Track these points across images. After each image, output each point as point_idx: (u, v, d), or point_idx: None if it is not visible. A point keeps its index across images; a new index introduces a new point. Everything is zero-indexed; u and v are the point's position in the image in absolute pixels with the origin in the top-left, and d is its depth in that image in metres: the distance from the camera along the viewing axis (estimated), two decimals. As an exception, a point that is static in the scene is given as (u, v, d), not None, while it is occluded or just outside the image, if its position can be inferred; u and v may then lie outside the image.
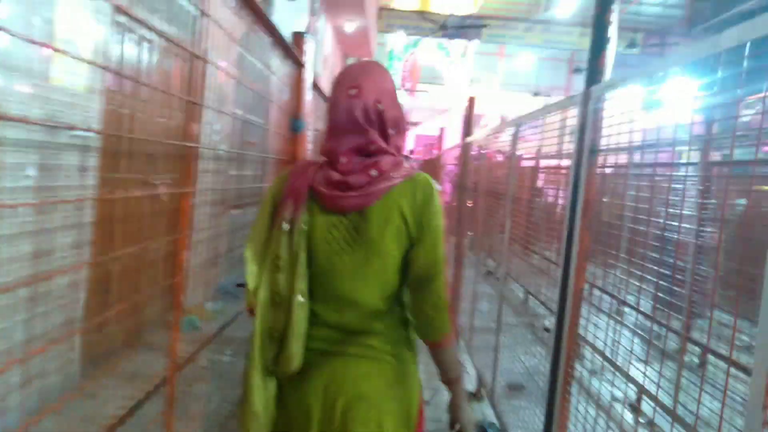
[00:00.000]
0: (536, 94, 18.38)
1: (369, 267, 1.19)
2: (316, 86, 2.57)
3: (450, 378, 1.26)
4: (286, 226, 1.20)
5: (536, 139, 2.92)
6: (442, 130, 9.45)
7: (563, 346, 1.84)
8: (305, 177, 1.22)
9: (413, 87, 21.32)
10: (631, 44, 15.36)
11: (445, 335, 1.22)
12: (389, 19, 15.76)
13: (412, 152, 17.26)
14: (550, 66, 23.07)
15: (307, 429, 1.19)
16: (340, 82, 1.23)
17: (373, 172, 1.17)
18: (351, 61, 15.33)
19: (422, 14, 15.58)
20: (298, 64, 2.00)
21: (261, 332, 1.21)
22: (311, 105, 2.31)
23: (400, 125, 1.26)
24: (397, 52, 20.85)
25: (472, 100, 4.80)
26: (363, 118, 1.19)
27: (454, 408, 1.27)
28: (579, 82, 23.75)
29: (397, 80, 21.18)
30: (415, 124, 19.90)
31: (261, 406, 1.21)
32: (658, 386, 1.39)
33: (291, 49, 1.85)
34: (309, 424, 1.19)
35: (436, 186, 1.23)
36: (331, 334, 1.22)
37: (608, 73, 1.81)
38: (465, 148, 4.67)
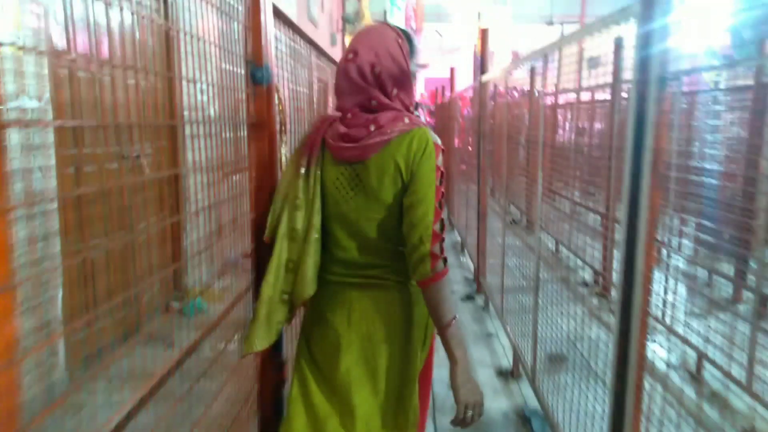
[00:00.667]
0: (550, 23, 17.22)
1: (369, 210, 1.33)
2: (289, 23, 2.13)
3: (443, 325, 1.28)
4: (303, 171, 1.36)
5: (569, 71, 2.44)
6: (452, 70, 8.80)
7: (633, 329, 1.45)
8: (320, 130, 1.38)
9: (419, 26, 20.27)
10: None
11: (428, 277, 1.27)
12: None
13: (421, 97, 16.53)
14: (562, -8, 21.66)
15: (337, 346, 1.39)
16: (349, 45, 1.35)
17: (372, 127, 1.29)
18: (350, 3, 14.45)
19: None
20: None
21: (278, 264, 1.37)
22: (277, 44, 1.86)
23: (403, 82, 1.34)
24: (400, -11, 19.74)
25: (484, 33, 4.24)
26: (360, 79, 1.31)
27: (453, 380, 1.26)
28: (594, 7, 22.44)
29: (401, 20, 20.15)
30: (423, 66, 19.03)
31: (263, 329, 1.37)
32: None
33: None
34: (338, 342, 1.39)
35: (434, 139, 1.31)
36: (341, 268, 1.40)
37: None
38: (481, 88, 4.16)
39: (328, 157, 1.36)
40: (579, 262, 4.32)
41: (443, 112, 9.78)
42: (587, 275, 4.30)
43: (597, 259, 3.88)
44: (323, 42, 10.76)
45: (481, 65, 4.19)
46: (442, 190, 1.30)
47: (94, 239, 2.77)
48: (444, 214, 1.33)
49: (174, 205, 3.38)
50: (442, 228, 1.29)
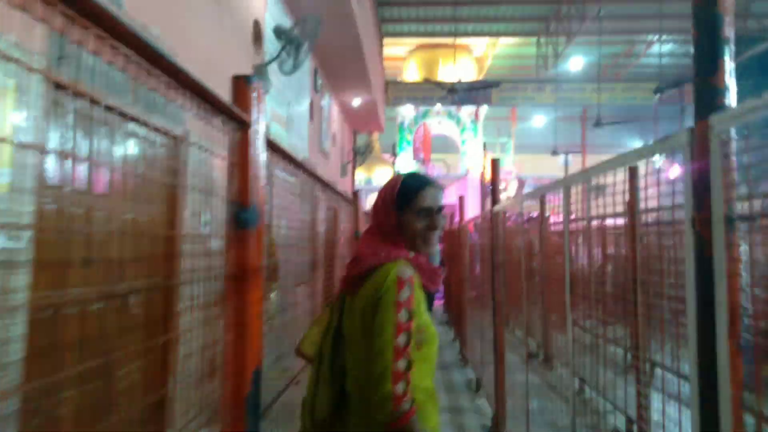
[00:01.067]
0: (554, 152, 17.88)
1: (349, 350, 1.39)
2: (284, 153, 1.95)
3: None
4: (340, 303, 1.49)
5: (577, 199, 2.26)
6: (461, 198, 8.85)
7: None
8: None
9: (427, 157, 21.11)
10: (658, 90, 14.76)
11: (399, 416, 1.19)
12: (396, 92, 15.68)
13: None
14: (563, 125, 22.81)
15: None
16: None
17: (354, 264, 1.41)
18: (361, 137, 15.16)
19: (429, 83, 15.47)
20: (241, 123, 1.33)
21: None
22: (270, 181, 1.70)
23: (382, 222, 1.47)
24: (408, 124, 20.85)
25: (495, 164, 4.19)
26: (371, 234, 1.50)
27: None
28: (595, 137, 23.51)
29: (410, 152, 21.06)
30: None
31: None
32: None
33: (226, 105, 1.16)
34: None
35: (400, 273, 1.30)
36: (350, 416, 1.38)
37: (731, 99, 1.16)
38: (494, 217, 4.01)
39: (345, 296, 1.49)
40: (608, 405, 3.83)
41: (453, 239, 9.70)
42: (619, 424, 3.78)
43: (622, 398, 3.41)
44: (333, 172, 11.03)
45: (492, 194, 4.07)
46: (409, 327, 1.26)
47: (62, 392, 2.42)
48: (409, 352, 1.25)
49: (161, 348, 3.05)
50: (409, 367, 1.23)
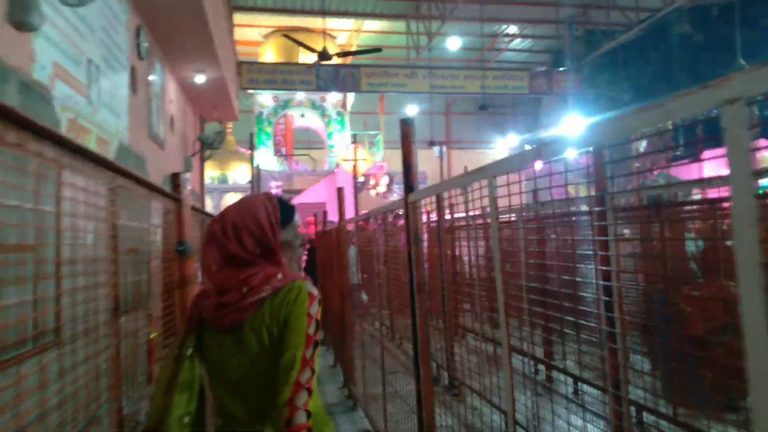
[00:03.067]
0: (431, 143, 17.07)
1: (252, 371, 1.34)
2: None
3: None
4: (187, 351, 1.39)
5: None
6: (340, 191, 7.32)
7: None
8: (196, 306, 1.42)
9: (289, 151, 19.27)
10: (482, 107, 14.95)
11: (292, 426, 1.23)
12: (251, 73, 13.65)
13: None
14: (429, 118, 22.37)
15: None
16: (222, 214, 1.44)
17: (244, 289, 1.32)
18: (210, 126, 12.95)
19: (290, 64, 13.71)
20: (177, 201, 2.25)
21: None
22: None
23: (265, 242, 1.38)
24: (267, 115, 18.83)
25: (406, 131, 2.69)
26: (221, 234, 1.37)
27: None
28: (458, 131, 23.55)
29: (270, 146, 19.05)
30: (297, 192, 17.71)
31: None
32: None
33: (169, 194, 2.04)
34: None
35: (308, 289, 1.36)
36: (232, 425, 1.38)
37: None
38: (411, 208, 2.50)
39: (205, 330, 1.39)
40: None
41: (327, 243, 8.21)
42: None
43: None
44: (171, 166, 8.88)
45: (406, 177, 2.58)
46: (316, 338, 1.32)
47: None
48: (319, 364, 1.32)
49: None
50: (309, 378, 1.27)
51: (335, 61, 17.72)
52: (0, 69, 3.41)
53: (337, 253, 6.17)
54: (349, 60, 19.07)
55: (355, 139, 13.47)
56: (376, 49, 11.76)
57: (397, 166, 14.83)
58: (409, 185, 2.56)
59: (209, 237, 1.39)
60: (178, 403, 1.34)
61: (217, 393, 1.40)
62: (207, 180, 19.40)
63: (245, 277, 1.32)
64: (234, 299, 1.31)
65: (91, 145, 5.05)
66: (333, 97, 19.04)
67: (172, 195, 2.34)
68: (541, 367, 4.84)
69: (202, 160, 11.63)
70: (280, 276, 1.36)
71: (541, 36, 19.00)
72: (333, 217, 8.20)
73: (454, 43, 16.11)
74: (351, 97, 19.37)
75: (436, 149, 17.77)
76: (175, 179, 2.42)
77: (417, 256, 2.53)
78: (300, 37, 17.58)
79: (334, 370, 6.70)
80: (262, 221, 1.38)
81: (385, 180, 19.25)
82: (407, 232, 2.58)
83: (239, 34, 16.85)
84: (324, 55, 11.32)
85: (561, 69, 16.15)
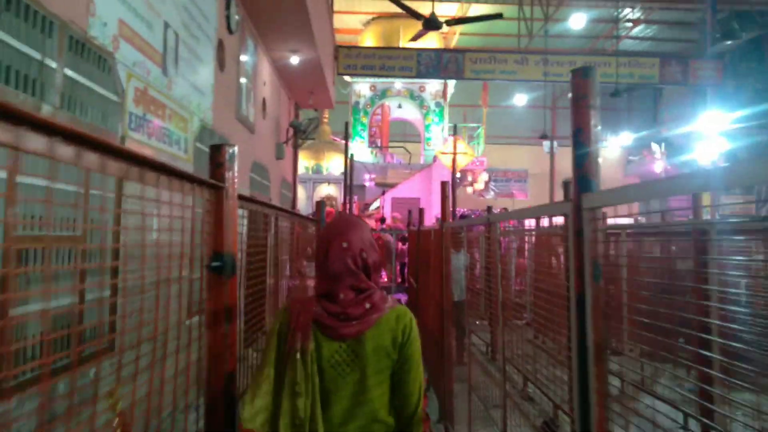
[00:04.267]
0: (543, 137, 15.51)
1: (367, 385, 1.45)
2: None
3: None
4: (299, 355, 1.43)
5: None
6: (444, 188, 6.43)
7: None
8: (308, 311, 1.47)
9: (384, 143, 18.57)
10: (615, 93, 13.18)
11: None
12: (349, 58, 12.99)
13: (392, 221, 14.16)
14: (538, 112, 20.70)
15: None
16: (332, 236, 1.54)
17: (367, 305, 1.48)
18: (307, 113, 12.48)
19: (387, 51, 12.86)
20: (215, 188, 1.52)
21: None
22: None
23: (378, 265, 1.59)
24: (363, 105, 18.24)
25: (581, 85, 1.65)
26: (354, 266, 1.51)
27: None
28: (565, 127, 21.48)
29: (365, 137, 18.46)
30: (391, 185, 16.96)
31: None
32: None
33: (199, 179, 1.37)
34: None
35: (412, 316, 1.55)
36: None
37: None
38: (587, 220, 1.49)
39: (320, 337, 1.45)
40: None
41: (424, 244, 7.32)
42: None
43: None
44: (263, 152, 8.35)
45: (577, 173, 1.54)
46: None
47: None
48: None
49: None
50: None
51: (437, 45, 16.65)
52: (42, 18, 2.79)
53: (436, 260, 5.24)
54: (452, 43, 17.97)
55: (455, 131, 12.42)
56: (497, 15, 10.40)
57: (498, 163, 13.61)
58: (584, 179, 1.51)
59: (343, 268, 1.49)
60: (289, 408, 1.42)
61: (328, 402, 1.47)
62: (301, 170, 19.23)
63: (366, 295, 1.50)
64: (358, 313, 1.47)
65: (168, 123, 4.45)
66: (432, 87, 18.06)
67: (205, 181, 1.43)
68: None
69: (296, 148, 11.14)
70: (390, 298, 1.57)
71: (668, 22, 16.78)
72: (429, 214, 7.28)
73: (577, 21, 14.52)
74: (451, 87, 18.27)
75: (545, 144, 16.23)
76: (217, 153, 1.53)
77: (594, 299, 1.49)
78: (400, 22, 16.76)
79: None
80: (376, 249, 1.60)
81: (484, 177, 18.00)
82: (576, 257, 1.56)
83: (338, 21, 16.34)
84: (431, 22, 9.88)
85: (699, 57, 13.99)
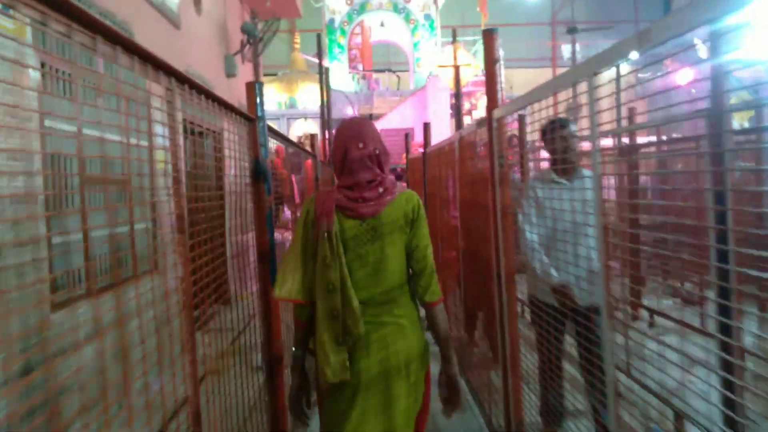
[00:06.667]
0: (572, 30, 12.97)
1: (385, 254, 1.77)
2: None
3: (441, 336, 1.85)
4: (325, 235, 1.73)
5: None
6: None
7: None
8: (330, 199, 1.77)
9: (367, 67, 16.14)
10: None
11: (439, 297, 1.85)
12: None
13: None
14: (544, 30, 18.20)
15: (367, 373, 1.74)
16: (348, 137, 1.82)
17: (380, 189, 1.79)
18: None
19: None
20: (250, 120, 2.25)
21: (324, 314, 1.72)
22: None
23: (387, 157, 1.87)
24: (340, 23, 15.70)
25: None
26: (370, 162, 1.79)
27: (445, 379, 1.87)
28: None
29: (344, 61, 16.02)
30: (377, 117, 14.71)
31: (338, 365, 1.70)
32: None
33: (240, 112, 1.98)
34: (369, 370, 1.74)
35: (418, 197, 1.88)
36: (366, 308, 1.75)
37: None
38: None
39: (342, 219, 1.76)
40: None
41: (416, 169, 5.34)
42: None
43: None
44: (204, 63, 6.16)
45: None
46: None
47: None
48: None
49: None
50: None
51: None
52: None
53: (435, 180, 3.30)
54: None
55: (454, 37, 10.16)
56: None
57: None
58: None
59: (361, 166, 1.78)
60: (322, 278, 1.74)
61: (354, 270, 1.76)
62: (273, 105, 16.83)
63: (380, 180, 1.79)
64: (375, 195, 1.76)
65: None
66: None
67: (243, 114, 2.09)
68: None
69: (256, 66, 8.85)
70: (399, 184, 1.87)
71: None
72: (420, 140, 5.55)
73: None
74: None
75: (565, 48, 13.82)
76: (250, 91, 2.25)
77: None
78: None
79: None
80: (385, 146, 1.88)
81: (485, 102, 15.74)
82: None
83: None
84: None
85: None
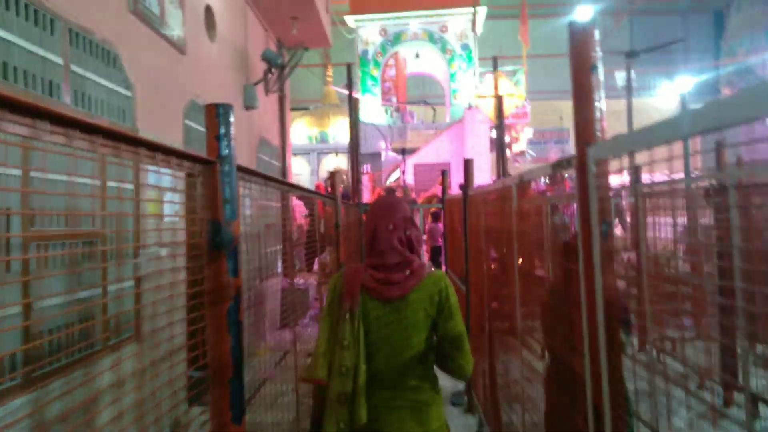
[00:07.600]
0: (631, 54, 11.99)
1: (408, 339, 1.75)
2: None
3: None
4: (348, 315, 1.75)
5: None
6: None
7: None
8: (357, 278, 1.80)
9: (401, 100, 15.49)
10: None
11: (468, 373, 1.82)
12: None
13: (414, 203, 11.18)
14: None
15: None
16: (378, 216, 1.87)
17: (407, 272, 1.79)
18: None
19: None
20: (206, 163, 1.53)
21: (333, 397, 1.71)
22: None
23: (419, 238, 1.91)
24: (373, 54, 15.18)
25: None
26: (399, 245, 1.82)
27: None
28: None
29: (377, 94, 15.44)
30: (411, 152, 13.96)
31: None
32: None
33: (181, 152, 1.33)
34: None
35: (447, 278, 1.85)
36: (384, 392, 1.76)
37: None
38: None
39: (367, 300, 1.77)
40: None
41: (455, 211, 4.49)
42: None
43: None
44: (223, 95, 5.51)
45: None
46: None
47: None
48: None
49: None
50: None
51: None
52: None
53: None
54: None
55: (495, 65, 9.40)
56: None
57: (539, 123, 10.21)
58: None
59: (390, 247, 1.81)
60: (338, 358, 1.73)
61: (374, 352, 1.76)
62: (304, 139, 16.31)
63: (408, 262, 1.80)
64: (401, 278, 1.76)
65: None
66: (456, 25, 14.84)
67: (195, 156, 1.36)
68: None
69: (282, 93, 8.23)
70: (428, 266, 1.84)
71: None
72: (459, 178, 4.75)
73: None
74: (482, 15, 14.82)
75: (618, 77, 12.86)
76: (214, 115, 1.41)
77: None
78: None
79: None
80: (417, 226, 1.91)
81: (527, 133, 14.83)
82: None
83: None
84: None
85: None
